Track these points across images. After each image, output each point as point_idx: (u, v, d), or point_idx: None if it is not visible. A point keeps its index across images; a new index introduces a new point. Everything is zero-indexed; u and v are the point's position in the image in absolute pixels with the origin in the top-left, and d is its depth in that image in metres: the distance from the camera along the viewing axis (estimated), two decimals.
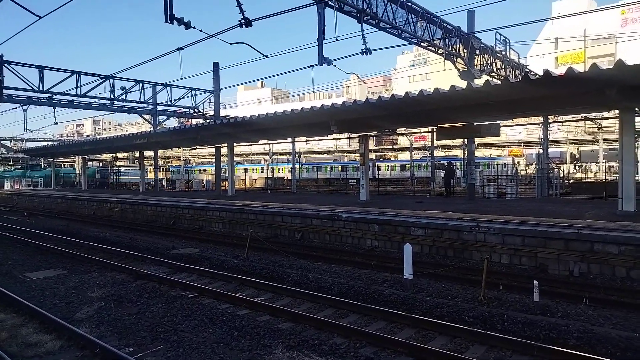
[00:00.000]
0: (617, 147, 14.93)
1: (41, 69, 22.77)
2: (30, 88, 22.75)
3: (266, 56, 13.99)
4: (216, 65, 28.07)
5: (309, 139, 37.38)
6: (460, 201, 20.21)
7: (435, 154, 31.80)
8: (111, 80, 25.58)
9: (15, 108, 28.56)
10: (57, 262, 12.82)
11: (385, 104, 15.17)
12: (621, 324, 6.91)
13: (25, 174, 57.34)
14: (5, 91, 23.12)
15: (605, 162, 25.16)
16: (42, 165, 63.93)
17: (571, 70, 11.00)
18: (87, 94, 24.99)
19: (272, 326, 7.27)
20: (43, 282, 10.50)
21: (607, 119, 26.28)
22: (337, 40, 13.84)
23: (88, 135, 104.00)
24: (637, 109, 13.64)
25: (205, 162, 55.79)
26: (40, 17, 11.21)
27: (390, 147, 59.51)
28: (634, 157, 12.78)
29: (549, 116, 24.44)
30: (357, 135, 21.14)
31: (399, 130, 27.53)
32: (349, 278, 10.17)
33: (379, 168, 47.87)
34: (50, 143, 54.95)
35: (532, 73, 22.92)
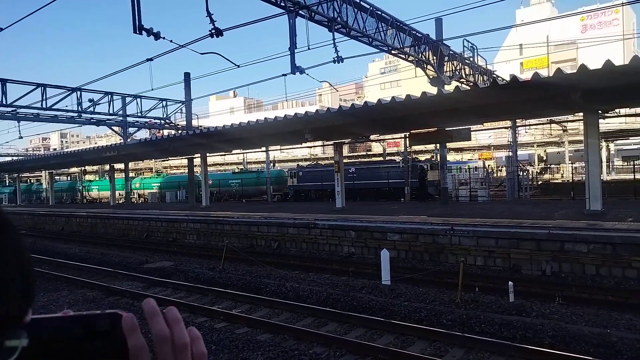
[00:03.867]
0: (582, 148, 15.43)
1: (4, 82, 22.05)
2: None
3: (238, 66, 13.94)
4: (187, 75, 27.78)
5: (283, 147, 37.31)
6: (434, 205, 20.48)
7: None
8: (78, 92, 24.96)
9: None
10: None
11: (358, 111, 15.28)
12: (593, 320, 7.10)
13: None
14: None
15: (572, 163, 26.06)
16: (7, 181, 61.75)
17: (537, 76, 11.33)
18: (54, 107, 24.31)
19: (251, 338, 7.16)
20: None
21: (572, 121, 27.19)
22: (309, 49, 13.91)
23: (55, 149, 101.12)
24: (600, 112, 14.14)
25: (178, 172, 54.89)
26: (1, 29, 10.87)
27: (364, 153, 59.93)
28: (599, 158, 13.22)
29: (517, 120, 25.12)
30: (331, 142, 21.21)
31: (373, 136, 27.77)
32: (327, 286, 10.14)
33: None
34: (15, 158, 53.17)
35: (499, 78, 23.56)
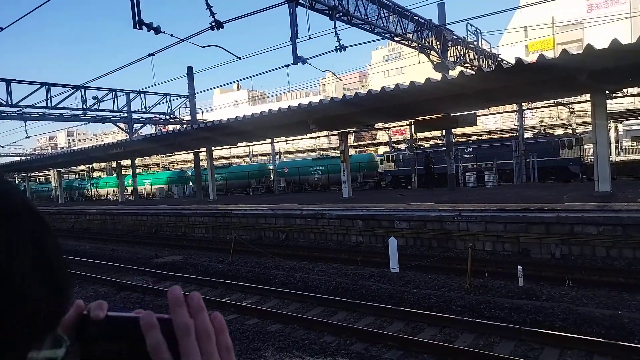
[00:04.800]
0: (590, 130, 15.26)
1: (8, 82, 22.13)
2: None
3: (240, 58, 13.89)
4: (190, 69, 27.72)
5: (288, 138, 37.25)
6: (441, 192, 20.40)
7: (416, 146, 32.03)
8: (83, 90, 25.02)
9: None
10: None
11: (362, 100, 15.19)
12: (604, 302, 7.06)
13: None
14: None
15: (580, 145, 25.85)
16: (16, 181, 62.37)
17: (542, 58, 11.18)
18: (59, 106, 24.40)
19: (261, 329, 7.21)
20: None
21: (580, 103, 26.86)
22: (310, 38, 13.83)
23: (62, 148, 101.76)
24: (607, 92, 13.95)
25: (185, 167, 55.08)
26: (2, 29, 10.89)
27: (370, 142, 59.74)
28: (607, 139, 13.06)
29: (523, 103, 24.85)
30: (336, 132, 21.13)
31: (378, 125, 27.62)
32: (335, 275, 10.16)
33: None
34: (23, 158, 53.57)
35: (504, 62, 23.29)
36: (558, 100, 23.40)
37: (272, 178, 37.42)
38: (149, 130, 38.76)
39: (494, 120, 43.51)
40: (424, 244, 12.58)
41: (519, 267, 8.44)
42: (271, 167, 38.64)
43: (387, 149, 44.82)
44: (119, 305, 9.14)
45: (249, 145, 45.89)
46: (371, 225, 13.73)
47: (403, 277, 9.47)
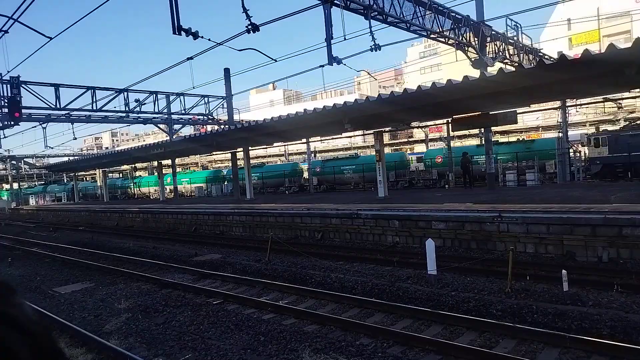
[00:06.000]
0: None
1: (57, 86, 23.21)
2: (47, 106, 23.21)
3: (275, 60, 14.03)
4: (227, 71, 28.25)
5: (323, 138, 37.30)
6: (480, 191, 19.94)
7: (452, 144, 31.43)
8: (125, 93, 25.92)
9: (35, 126, 29.23)
10: (84, 275, 13.06)
11: (397, 99, 15.04)
12: None
13: (46, 189, 58.84)
14: (24, 110, 23.59)
15: (629, 142, 24.40)
16: (65, 180, 65.31)
17: (587, 52, 10.72)
18: (103, 108, 25.37)
19: (298, 329, 7.27)
20: (71, 296, 10.70)
21: (627, 98, 25.61)
22: (345, 39, 13.79)
23: (107, 148, 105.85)
24: None
25: (223, 166, 56.15)
26: (50, 38, 11.43)
27: (406, 140, 59.08)
28: None
29: (567, 99, 23.91)
30: (372, 131, 21.02)
31: (414, 123, 27.28)
32: (372, 276, 10.12)
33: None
34: (70, 158, 56.03)
35: (546, 57, 22.48)
36: (606, 96, 22.34)
37: (305, 177, 37.53)
38: (188, 130, 39.70)
39: (535, 117, 42.12)
40: (462, 245, 12.34)
41: (563, 270, 8.14)
42: (305, 166, 38.78)
43: (423, 147, 44.18)
44: (162, 303, 9.43)
45: (284, 145, 46.32)
46: (408, 226, 13.59)
47: (441, 280, 9.32)
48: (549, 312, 6.80)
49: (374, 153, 20.56)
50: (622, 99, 26.21)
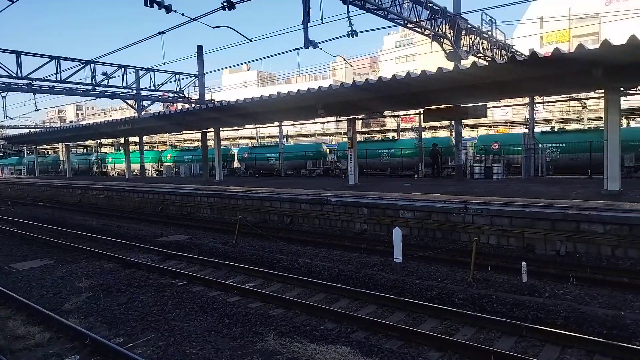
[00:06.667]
0: (602, 125, 15.08)
1: (18, 54, 22.15)
2: (8, 74, 22.17)
3: (250, 40, 13.76)
4: (200, 48, 27.58)
5: (296, 122, 37.03)
6: (448, 182, 20.33)
7: (423, 135, 31.77)
8: (92, 65, 25.02)
9: None
10: (44, 252, 12.65)
11: (372, 86, 15.06)
12: (607, 302, 7.05)
13: (20, 162, 56.30)
14: None
15: (590, 142, 25.32)
16: (25, 153, 62.75)
17: (557, 51, 10.98)
18: (68, 80, 24.45)
19: (264, 313, 7.27)
20: (29, 273, 10.35)
21: (592, 98, 26.46)
22: (322, 23, 13.65)
23: (71, 121, 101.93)
24: (622, 89, 13.72)
25: (192, 147, 55.11)
26: (12, 2, 10.81)
27: (378, 129, 59.47)
28: (619, 136, 12.89)
29: (535, 96, 24.51)
30: (345, 118, 21.01)
31: (387, 112, 27.43)
32: (339, 262, 10.21)
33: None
34: (32, 130, 53.84)
35: (518, 53, 22.95)
36: (572, 95, 23.03)
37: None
38: (157, 108, 38.78)
39: (504, 112, 43.11)
40: (428, 234, 12.58)
41: (523, 262, 8.43)
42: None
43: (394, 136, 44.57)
44: (125, 283, 9.25)
45: (256, 128, 45.80)
46: (376, 214, 13.74)
47: (406, 267, 9.49)
48: (508, 302, 7.04)
49: (346, 140, 20.58)
50: (587, 98, 27.07)
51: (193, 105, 29.22)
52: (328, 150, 36.96)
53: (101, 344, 5.98)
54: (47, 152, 66.07)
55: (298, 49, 14.81)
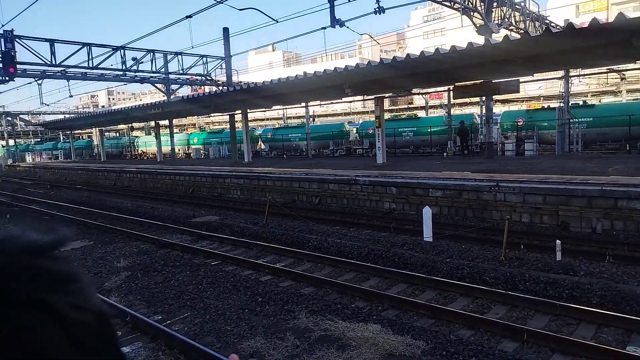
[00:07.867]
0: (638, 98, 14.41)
1: (52, 42, 22.68)
2: (43, 62, 22.78)
3: (277, 21, 13.67)
4: (226, 30, 27.60)
5: (323, 102, 36.82)
6: (478, 160, 19.95)
7: (452, 112, 31.12)
8: (122, 50, 25.39)
9: (30, 83, 28.76)
10: (83, 234, 13.16)
11: (399, 64, 14.79)
12: None
13: (56, 147, 58.32)
14: (18, 66, 23.15)
15: (630, 115, 24.14)
16: (61, 138, 64.85)
17: (595, 21, 10.50)
18: (99, 66, 24.92)
19: (295, 291, 7.41)
20: (71, 254, 10.80)
21: (632, 69, 25.24)
22: (349, 1, 13.40)
23: (103, 106, 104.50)
24: None
25: (220, 129, 55.69)
26: None
27: (406, 106, 58.58)
28: None
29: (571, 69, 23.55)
30: (372, 97, 20.76)
31: (415, 90, 26.93)
32: (368, 241, 10.24)
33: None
34: (67, 115, 55.37)
35: (552, 25, 22.02)
36: (611, 67, 22.02)
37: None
38: (185, 91, 39.20)
39: (537, 87, 41.67)
40: (458, 213, 12.44)
41: (557, 240, 8.26)
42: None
43: (422, 113, 43.80)
44: (161, 263, 9.57)
45: (283, 109, 45.81)
46: (405, 193, 13.65)
47: (436, 247, 9.45)
48: (541, 281, 6.94)
49: (369, 119, 20.38)
50: (627, 70, 25.84)
51: (220, 87, 29.40)
52: (354, 129, 36.63)
53: (141, 321, 6.24)
54: (82, 136, 68.09)
55: (324, 28, 14.68)
